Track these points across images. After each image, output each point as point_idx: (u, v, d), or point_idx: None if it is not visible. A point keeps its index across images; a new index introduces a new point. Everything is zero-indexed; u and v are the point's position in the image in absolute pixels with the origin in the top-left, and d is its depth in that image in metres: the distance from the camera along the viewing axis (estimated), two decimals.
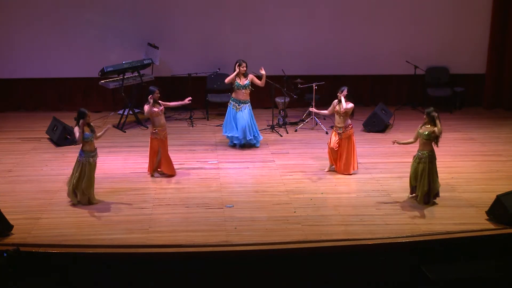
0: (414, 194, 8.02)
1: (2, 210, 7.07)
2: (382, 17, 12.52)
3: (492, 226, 7.32)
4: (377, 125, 11.23)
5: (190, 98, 9.26)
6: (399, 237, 7.06)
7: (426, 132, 7.76)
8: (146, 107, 8.73)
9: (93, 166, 7.91)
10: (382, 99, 12.25)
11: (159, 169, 9.03)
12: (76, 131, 7.78)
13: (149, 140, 8.88)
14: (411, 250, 7.00)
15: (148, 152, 8.95)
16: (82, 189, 7.86)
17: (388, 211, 7.77)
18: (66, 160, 9.65)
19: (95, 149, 7.95)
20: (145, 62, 11.69)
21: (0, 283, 6.28)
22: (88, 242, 6.95)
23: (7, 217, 7.11)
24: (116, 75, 11.57)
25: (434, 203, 7.91)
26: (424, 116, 7.87)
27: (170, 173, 8.95)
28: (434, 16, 12.55)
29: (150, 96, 8.71)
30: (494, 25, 12.51)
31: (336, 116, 8.91)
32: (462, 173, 9.09)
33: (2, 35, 12.10)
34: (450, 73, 12.74)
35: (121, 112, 11.95)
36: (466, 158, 9.80)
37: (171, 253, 6.79)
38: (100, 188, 8.50)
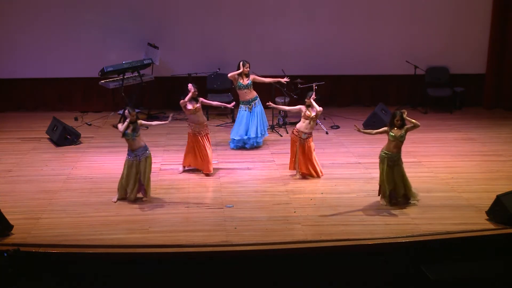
0: (394, 200, 7.90)
1: (2, 210, 7.06)
2: (382, 17, 12.53)
3: (492, 226, 7.31)
4: (377, 125, 11.12)
5: (234, 103, 9.55)
6: (399, 237, 7.06)
7: (401, 134, 7.70)
8: (181, 102, 8.86)
9: (130, 164, 7.94)
10: (382, 99, 12.25)
11: (190, 166, 9.13)
12: (120, 125, 7.90)
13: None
14: (411, 250, 7.00)
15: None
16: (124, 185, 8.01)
17: (388, 211, 7.77)
18: (66, 160, 9.67)
19: (137, 148, 7.95)
20: (145, 62, 11.69)
21: (0, 283, 6.28)
22: (88, 242, 6.94)
23: (7, 217, 7.10)
24: (116, 75, 11.58)
25: (409, 204, 7.91)
26: (396, 119, 7.74)
27: (202, 170, 9.01)
28: (434, 16, 12.55)
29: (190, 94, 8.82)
30: (494, 25, 12.51)
31: (305, 122, 8.72)
32: (462, 173, 9.09)
33: (2, 35, 12.11)
34: (450, 73, 12.74)
35: (121, 112, 11.94)
36: (466, 158, 9.79)
37: (171, 253, 6.79)
38: (100, 188, 8.52)
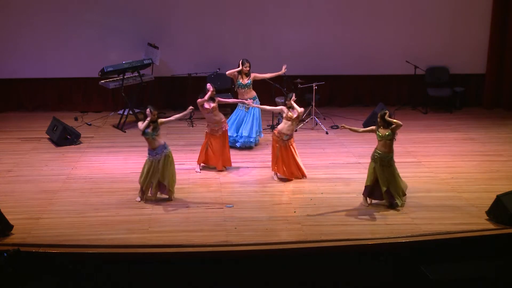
0: (392, 200, 7.84)
1: (2, 210, 7.06)
2: (382, 17, 12.53)
3: (492, 226, 7.31)
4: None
5: (250, 100, 9.69)
6: (399, 237, 7.06)
7: (387, 133, 7.71)
8: (199, 101, 8.93)
9: (150, 163, 7.95)
10: (382, 99, 12.25)
11: (206, 164, 9.18)
12: (140, 123, 7.90)
13: None
14: (411, 250, 7.00)
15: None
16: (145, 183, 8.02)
17: (388, 211, 7.76)
18: (66, 160, 9.67)
19: (157, 147, 7.96)
20: (145, 62, 11.69)
21: (0, 283, 6.28)
22: (88, 242, 6.94)
23: (7, 217, 7.10)
24: (116, 75, 11.57)
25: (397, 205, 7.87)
26: (379, 120, 7.77)
27: (216, 167, 9.12)
28: (434, 16, 12.55)
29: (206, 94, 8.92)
30: (494, 25, 12.51)
31: (287, 123, 8.65)
32: (462, 173, 9.09)
33: (2, 35, 12.11)
34: (450, 73, 12.74)
35: (121, 112, 11.96)
36: (466, 158, 9.79)
37: (171, 253, 6.79)
38: (100, 188, 8.52)
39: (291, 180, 8.75)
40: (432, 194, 8.26)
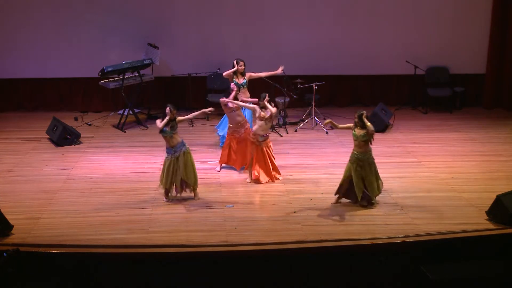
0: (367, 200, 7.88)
1: (2, 210, 7.07)
2: (382, 17, 12.52)
3: (492, 226, 7.31)
4: (377, 125, 11.12)
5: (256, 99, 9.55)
6: (399, 237, 7.06)
7: (362, 134, 7.71)
8: (222, 100, 9.00)
9: (169, 161, 7.96)
10: (382, 99, 12.25)
11: (227, 164, 9.21)
12: (158, 121, 7.90)
13: None
14: (411, 250, 7.00)
15: None
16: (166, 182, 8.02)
17: (388, 211, 7.77)
18: (66, 160, 9.67)
19: (175, 145, 7.97)
20: (145, 62, 11.69)
21: (0, 283, 6.28)
22: (88, 242, 6.94)
23: (7, 217, 7.11)
24: (116, 75, 11.57)
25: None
26: (356, 120, 7.77)
27: (236, 167, 9.14)
28: (434, 16, 12.55)
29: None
30: (494, 25, 12.50)
31: (260, 124, 8.62)
32: (462, 173, 9.09)
33: (2, 35, 12.11)
34: (450, 73, 12.74)
35: (121, 112, 11.95)
36: (466, 158, 9.79)
37: (171, 253, 6.79)
38: (100, 188, 8.52)
39: (263, 183, 8.66)
40: (432, 194, 8.26)
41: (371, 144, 7.78)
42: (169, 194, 8.12)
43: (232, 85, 9.11)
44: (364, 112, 7.81)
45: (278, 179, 8.81)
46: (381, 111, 11.34)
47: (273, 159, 8.81)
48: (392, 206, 7.91)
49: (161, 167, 9.25)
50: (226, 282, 6.82)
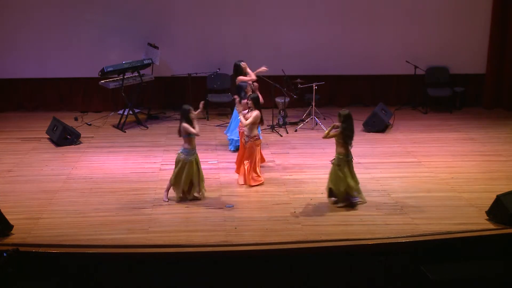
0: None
1: (2, 210, 7.06)
2: (382, 17, 12.53)
3: (492, 226, 7.31)
4: (377, 125, 11.24)
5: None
6: (399, 237, 7.06)
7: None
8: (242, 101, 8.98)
9: (190, 163, 7.93)
10: (382, 99, 12.25)
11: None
12: (188, 126, 7.79)
13: None
14: (411, 250, 7.00)
15: None
16: (182, 184, 7.98)
17: (388, 211, 7.76)
18: (66, 160, 9.66)
19: (195, 146, 7.99)
20: (145, 62, 11.69)
21: (0, 283, 6.28)
22: (88, 242, 6.94)
23: (7, 217, 7.10)
24: (116, 75, 11.57)
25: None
26: (338, 117, 7.83)
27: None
28: (434, 16, 12.56)
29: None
30: (494, 25, 12.51)
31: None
32: (462, 173, 9.09)
33: (2, 35, 12.12)
34: (450, 73, 12.75)
35: (121, 112, 11.95)
36: (466, 158, 9.79)
37: (171, 253, 6.79)
38: (100, 188, 8.52)
39: (240, 184, 8.61)
40: (432, 194, 8.26)
41: (350, 147, 7.78)
42: (185, 196, 8.06)
43: (248, 87, 9.19)
44: (347, 111, 7.91)
45: (255, 185, 8.54)
46: (381, 111, 11.34)
47: (256, 163, 8.58)
48: (392, 206, 7.90)
49: (161, 167, 9.31)
50: (226, 282, 6.82)
